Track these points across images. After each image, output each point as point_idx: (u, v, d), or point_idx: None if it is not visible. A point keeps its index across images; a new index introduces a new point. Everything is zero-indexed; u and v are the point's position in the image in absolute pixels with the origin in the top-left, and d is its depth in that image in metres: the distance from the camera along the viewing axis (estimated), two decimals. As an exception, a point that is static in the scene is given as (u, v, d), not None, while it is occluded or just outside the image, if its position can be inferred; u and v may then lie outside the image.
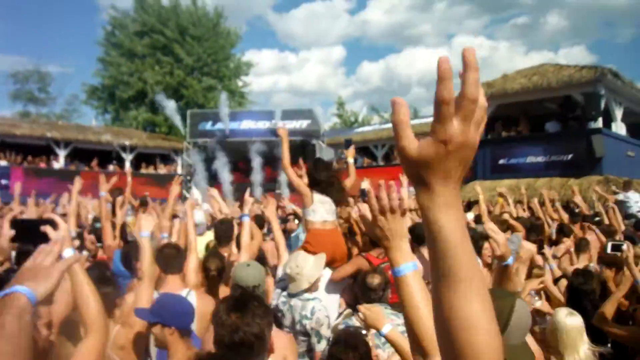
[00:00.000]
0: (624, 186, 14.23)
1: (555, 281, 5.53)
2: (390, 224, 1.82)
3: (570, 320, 3.64)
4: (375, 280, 4.01)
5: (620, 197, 13.02)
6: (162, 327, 3.10)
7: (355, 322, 3.86)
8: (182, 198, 19.96)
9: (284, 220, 9.33)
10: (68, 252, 2.36)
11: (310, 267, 4.48)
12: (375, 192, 1.85)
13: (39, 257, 1.63)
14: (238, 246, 5.73)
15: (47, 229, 2.46)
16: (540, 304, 4.84)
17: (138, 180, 19.27)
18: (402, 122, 0.96)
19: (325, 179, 5.44)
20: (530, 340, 2.77)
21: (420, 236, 5.37)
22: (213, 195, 7.68)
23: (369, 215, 1.86)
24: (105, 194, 6.73)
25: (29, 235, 3.05)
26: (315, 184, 5.43)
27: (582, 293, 4.59)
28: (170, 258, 4.41)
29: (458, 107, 0.91)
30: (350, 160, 6.57)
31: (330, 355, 2.97)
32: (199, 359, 2.61)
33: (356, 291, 4.26)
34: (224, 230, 6.16)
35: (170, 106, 24.17)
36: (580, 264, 6.06)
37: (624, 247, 4.60)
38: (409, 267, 1.76)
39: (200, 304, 4.14)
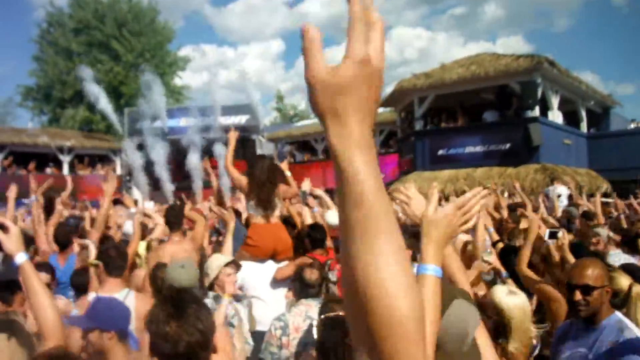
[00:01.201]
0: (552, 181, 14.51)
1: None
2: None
3: (512, 299, 3.32)
4: (313, 275, 4.10)
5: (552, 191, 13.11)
6: (100, 333, 2.89)
7: (287, 316, 3.95)
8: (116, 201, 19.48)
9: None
10: (21, 257, 2.36)
11: (213, 268, 4.46)
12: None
13: None
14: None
15: None
16: (493, 258, 4.83)
17: (77, 182, 18.74)
18: (313, 46, 0.87)
19: (263, 179, 5.57)
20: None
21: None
22: (148, 214, 7.70)
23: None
24: (35, 197, 6.81)
25: None
26: (254, 183, 5.60)
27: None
28: (113, 259, 4.45)
29: (368, 31, 0.85)
30: (288, 173, 6.54)
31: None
32: None
33: (294, 286, 4.27)
34: (174, 216, 6.30)
35: (97, 94, 23.55)
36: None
37: (560, 234, 4.78)
38: (436, 271, 1.75)
39: (139, 305, 4.17)
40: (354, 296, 0.83)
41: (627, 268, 4.83)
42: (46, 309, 2.36)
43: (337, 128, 0.85)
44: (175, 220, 6.24)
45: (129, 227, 7.44)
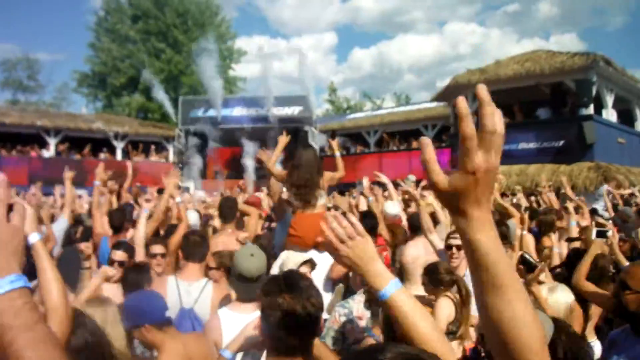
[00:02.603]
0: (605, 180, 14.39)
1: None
2: (355, 250, 1.77)
3: (555, 296, 3.49)
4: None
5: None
6: (138, 329, 3.06)
7: (350, 303, 3.91)
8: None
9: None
10: (34, 237, 2.35)
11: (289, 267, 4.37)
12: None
13: None
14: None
15: (12, 214, 2.41)
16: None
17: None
18: (430, 160, 1.11)
19: (303, 183, 5.50)
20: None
21: (414, 226, 5.60)
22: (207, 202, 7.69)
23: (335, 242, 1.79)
24: (99, 183, 6.77)
25: None
26: (295, 187, 5.53)
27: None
28: (194, 246, 4.51)
29: (480, 140, 1.05)
30: (337, 153, 6.60)
31: None
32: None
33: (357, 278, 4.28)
34: (229, 207, 6.34)
35: (157, 87, 23.95)
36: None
37: (609, 233, 4.56)
38: (392, 287, 1.70)
39: (215, 295, 4.30)
40: (496, 331, 1.11)
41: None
42: (52, 288, 2.31)
43: (461, 218, 1.10)
44: (229, 211, 6.28)
45: (193, 218, 7.30)
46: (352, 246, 1.77)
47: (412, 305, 1.69)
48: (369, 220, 5.51)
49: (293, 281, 2.32)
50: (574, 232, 6.21)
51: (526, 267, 4.22)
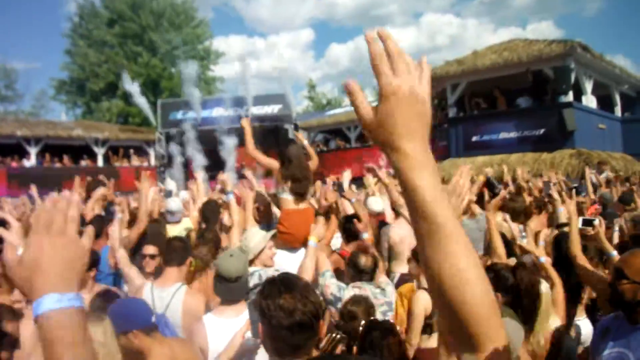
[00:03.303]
0: (598, 165, 14.34)
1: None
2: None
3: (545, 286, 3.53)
4: (367, 262, 4.21)
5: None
6: (124, 335, 3.01)
7: (355, 288, 4.09)
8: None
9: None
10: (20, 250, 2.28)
11: (256, 241, 4.45)
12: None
13: None
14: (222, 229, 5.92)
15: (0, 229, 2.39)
16: (526, 242, 4.75)
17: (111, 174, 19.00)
18: (353, 92, 1.02)
19: (300, 176, 5.53)
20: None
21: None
22: (195, 181, 7.73)
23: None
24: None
25: None
26: (292, 180, 5.53)
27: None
28: (174, 251, 4.56)
29: (391, 64, 0.99)
30: (305, 142, 6.67)
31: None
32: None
33: (348, 272, 4.36)
34: (210, 211, 6.46)
35: (135, 90, 23.81)
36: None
37: (596, 222, 4.47)
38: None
39: (188, 300, 4.32)
40: (437, 290, 1.01)
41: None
42: None
43: (394, 156, 1.01)
44: (210, 215, 6.35)
45: (175, 204, 7.39)
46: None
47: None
48: (353, 225, 5.41)
49: (290, 282, 2.35)
50: (563, 218, 6.13)
51: (489, 189, 4.22)
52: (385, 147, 1.01)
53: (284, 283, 2.34)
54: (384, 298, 4.13)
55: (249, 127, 6.15)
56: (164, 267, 4.57)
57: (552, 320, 3.54)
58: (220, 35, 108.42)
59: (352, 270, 4.26)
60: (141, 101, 24.39)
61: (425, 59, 1.04)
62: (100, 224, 6.32)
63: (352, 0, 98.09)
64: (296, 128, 6.96)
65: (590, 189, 9.88)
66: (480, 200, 6.03)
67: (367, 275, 4.19)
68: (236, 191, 9.05)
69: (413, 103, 0.99)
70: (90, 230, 1.35)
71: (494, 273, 3.39)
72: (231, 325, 3.30)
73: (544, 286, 3.57)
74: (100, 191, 8.02)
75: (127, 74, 24.17)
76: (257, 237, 4.46)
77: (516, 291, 3.38)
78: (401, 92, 0.98)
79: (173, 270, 4.49)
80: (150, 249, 5.16)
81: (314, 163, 6.23)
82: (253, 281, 4.07)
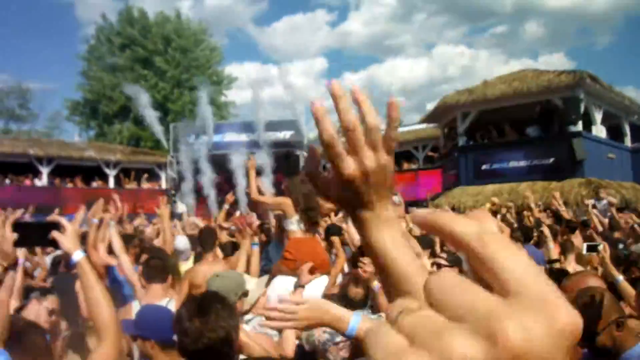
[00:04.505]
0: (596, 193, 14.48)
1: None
2: (305, 319, 1.73)
3: None
4: (358, 294, 4.06)
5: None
6: (142, 341, 3.06)
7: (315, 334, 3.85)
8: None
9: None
10: (77, 255, 2.37)
11: (251, 289, 4.32)
12: None
13: None
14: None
15: (54, 232, 2.45)
16: None
17: (122, 196, 19.12)
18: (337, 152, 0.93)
19: (314, 205, 5.50)
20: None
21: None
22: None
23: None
24: (96, 221, 6.74)
25: (32, 238, 3.00)
26: (308, 211, 5.49)
27: None
28: (154, 269, 4.57)
29: (352, 140, 0.91)
30: None
31: None
32: None
33: (340, 303, 4.25)
34: (207, 236, 6.37)
35: (150, 114, 24.01)
36: (568, 265, 6.09)
37: (600, 247, 4.58)
38: (354, 323, 1.69)
39: None
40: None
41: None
42: (101, 305, 2.33)
43: (354, 220, 0.99)
44: (208, 240, 6.32)
45: (183, 242, 7.47)
46: (300, 318, 1.73)
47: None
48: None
49: (206, 305, 2.35)
50: (554, 254, 6.16)
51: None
52: (347, 213, 1.03)
53: (199, 305, 2.35)
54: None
55: (253, 171, 6.14)
56: (148, 285, 4.60)
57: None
58: (234, 61, 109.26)
59: (343, 302, 4.18)
60: (153, 123, 24.57)
61: (395, 104, 0.96)
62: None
63: (365, 30, 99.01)
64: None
65: (596, 220, 9.83)
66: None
67: (358, 304, 4.05)
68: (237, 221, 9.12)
69: (370, 180, 0.92)
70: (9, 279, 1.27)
71: None
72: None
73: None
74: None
75: (138, 95, 24.34)
76: (251, 284, 4.34)
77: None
78: (356, 179, 0.91)
79: (157, 287, 4.53)
80: None
81: (327, 207, 6.20)
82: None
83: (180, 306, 2.42)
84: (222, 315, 2.31)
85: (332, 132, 0.90)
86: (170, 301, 4.42)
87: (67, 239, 2.49)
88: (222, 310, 2.34)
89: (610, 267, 4.41)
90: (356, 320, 1.65)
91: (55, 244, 2.56)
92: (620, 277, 4.33)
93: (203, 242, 6.39)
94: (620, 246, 6.01)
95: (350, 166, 0.90)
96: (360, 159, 0.91)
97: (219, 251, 6.81)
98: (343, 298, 4.14)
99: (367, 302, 4.16)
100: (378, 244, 0.96)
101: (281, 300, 1.70)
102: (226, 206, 9.99)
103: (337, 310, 1.72)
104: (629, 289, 4.19)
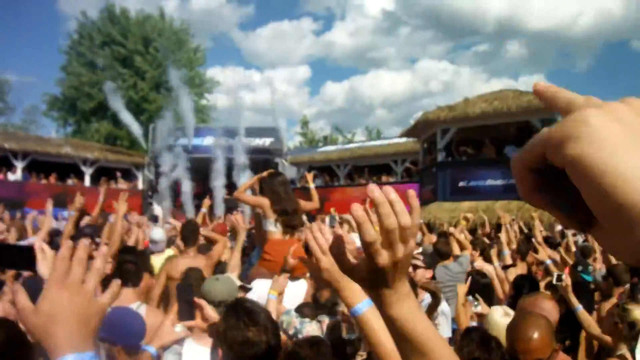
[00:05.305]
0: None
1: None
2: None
3: (506, 320, 3.53)
4: (324, 294, 4.19)
5: None
6: (109, 345, 3.05)
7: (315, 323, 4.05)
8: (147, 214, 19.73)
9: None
10: None
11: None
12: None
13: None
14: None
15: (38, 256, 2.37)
16: (480, 309, 4.96)
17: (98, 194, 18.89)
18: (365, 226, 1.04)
19: (290, 209, 5.57)
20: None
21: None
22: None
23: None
24: (73, 212, 6.68)
25: (9, 260, 2.83)
26: (284, 214, 5.56)
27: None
28: (127, 273, 4.53)
29: (384, 238, 1.03)
30: (312, 185, 6.76)
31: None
32: None
33: (310, 306, 4.35)
34: (190, 231, 6.35)
35: (124, 113, 23.81)
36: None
37: (563, 277, 4.80)
38: (365, 304, 1.70)
39: (149, 319, 4.11)
40: None
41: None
42: None
43: (375, 300, 1.13)
44: (190, 235, 6.32)
45: (158, 234, 7.51)
46: (325, 260, 1.71)
47: (381, 324, 1.59)
48: None
49: (254, 313, 2.40)
50: (508, 260, 6.90)
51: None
52: (367, 288, 1.15)
53: (248, 313, 2.40)
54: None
55: (256, 179, 6.17)
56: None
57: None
58: (217, 65, 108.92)
59: (314, 304, 4.28)
60: (130, 122, 24.35)
61: (414, 196, 1.10)
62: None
63: (350, 41, 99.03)
64: (309, 170, 6.85)
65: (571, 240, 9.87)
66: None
67: (327, 309, 4.16)
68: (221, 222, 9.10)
69: (398, 267, 1.06)
70: (115, 286, 1.34)
71: None
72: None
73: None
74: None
75: (115, 94, 24.14)
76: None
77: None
78: (389, 266, 1.05)
79: (128, 291, 4.50)
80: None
81: (313, 205, 6.43)
82: None
83: (227, 315, 2.45)
84: (272, 320, 2.44)
85: (374, 235, 1.02)
86: (140, 306, 4.42)
87: (45, 264, 2.41)
88: (270, 316, 2.46)
89: (571, 297, 4.64)
90: (368, 303, 1.70)
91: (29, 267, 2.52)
92: (580, 307, 4.57)
93: (185, 236, 6.38)
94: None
95: (385, 259, 1.03)
96: (394, 252, 1.03)
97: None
98: (313, 300, 4.30)
99: (334, 307, 4.16)
100: (399, 316, 1.09)
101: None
102: (203, 210, 9.98)
103: (355, 286, 1.72)
104: (587, 318, 4.54)
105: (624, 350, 3.70)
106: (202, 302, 2.88)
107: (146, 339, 3.77)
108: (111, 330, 3.00)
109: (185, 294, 3.23)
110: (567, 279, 4.74)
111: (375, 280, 1.08)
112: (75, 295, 1.18)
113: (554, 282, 4.82)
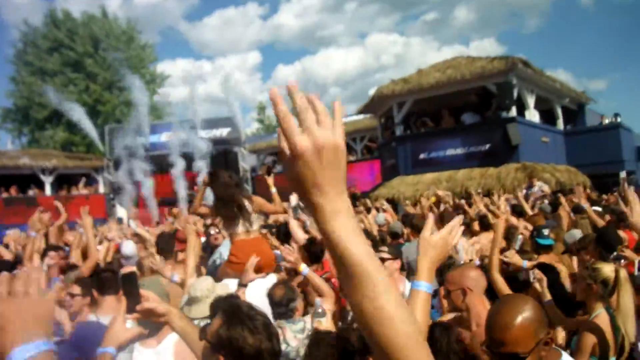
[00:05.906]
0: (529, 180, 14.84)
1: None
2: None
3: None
4: (278, 292, 4.08)
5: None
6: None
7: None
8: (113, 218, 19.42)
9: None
10: None
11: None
12: None
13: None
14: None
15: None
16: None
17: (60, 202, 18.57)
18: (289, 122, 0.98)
19: (224, 196, 5.47)
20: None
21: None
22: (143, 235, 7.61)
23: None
24: (35, 234, 6.55)
25: None
26: (217, 199, 5.53)
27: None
28: (106, 281, 4.46)
29: (299, 120, 0.97)
30: (273, 190, 6.53)
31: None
32: None
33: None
34: (165, 243, 6.25)
35: (76, 113, 23.39)
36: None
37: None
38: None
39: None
40: (364, 330, 1.05)
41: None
42: None
43: (310, 209, 1.02)
44: (166, 246, 6.22)
45: (129, 248, 7.39)
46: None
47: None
48: (315, 247, 5.38)
49: (255, 318, 2.34)
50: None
51: None
52: (303, 201, 1.02)
53: (250, 318, 2.34)
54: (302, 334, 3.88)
55: (201, 194, 6.04)
56: (100, 299, 4.47)
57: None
58: (166, 58, 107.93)
59: (270, 305, 4.11)
60: (87, 126, 24.00)
61: (338, 104, 1.04)
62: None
63: (296, 22, 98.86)
64: (268, 172, 6.78)
65: (526, 205, 9.85)
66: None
67: (284, 307, 4.04)
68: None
69: (323, 157, 0.96)
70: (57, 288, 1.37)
71: None
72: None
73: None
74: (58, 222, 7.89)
75: (63, 99, 23.70)
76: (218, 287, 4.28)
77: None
78: (308, 152, 0.95)
79: (111, 299, 4.41)
80: (75, 289, 4.87)
81: (274, 208, 6.31)
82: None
83: (229, 318, 2.34)
84: (269, 323, 2.38)
85: (285, 109, 0.96)
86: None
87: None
88: (267, 319, 2.39)
89: (545, 291, 4.28)
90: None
91: None
92: (549, 298, 4.24)
93: (161, 249, 6.21)
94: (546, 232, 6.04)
95: (302, 139, 0.95)
96: (312, 134, 0.96)
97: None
98: (269, 299, 4.13)
99: (289, 305, 4.08)
100: (332, 234, 1.00)
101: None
102: (170, 219, 9.73)
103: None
104: (556, 312, 4.16)
105: (600, 310, 3.60)
106: (149, 294, 2.68)
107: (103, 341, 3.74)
108: (84, 345, 3.00)
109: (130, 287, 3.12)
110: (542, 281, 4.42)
111: (303, 177, 0.98)
112: (20, 303, 1.28)
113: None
